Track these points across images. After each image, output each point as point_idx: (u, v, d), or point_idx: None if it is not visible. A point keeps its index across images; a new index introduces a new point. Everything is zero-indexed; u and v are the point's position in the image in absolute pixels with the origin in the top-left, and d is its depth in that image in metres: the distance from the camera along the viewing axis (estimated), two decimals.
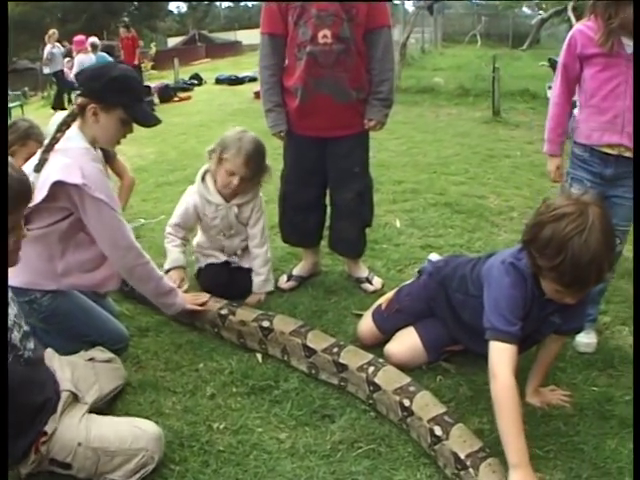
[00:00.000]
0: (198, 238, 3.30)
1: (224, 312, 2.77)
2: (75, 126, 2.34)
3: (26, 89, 16.62)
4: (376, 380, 2.27)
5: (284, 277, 3.34)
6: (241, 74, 14.78)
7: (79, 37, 12.15)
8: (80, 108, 2.33)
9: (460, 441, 1.95)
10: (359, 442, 2.14)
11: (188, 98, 12.45)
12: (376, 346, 2.63)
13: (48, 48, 12.75)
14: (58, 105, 11.97)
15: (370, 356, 2.41)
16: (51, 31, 13.05)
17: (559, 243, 1.83)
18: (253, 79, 13.67)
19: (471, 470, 1.86)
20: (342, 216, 3.20)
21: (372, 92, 2.97)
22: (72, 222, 2.29)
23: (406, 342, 2.56)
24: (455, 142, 6.74)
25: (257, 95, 10.91)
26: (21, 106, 12.81)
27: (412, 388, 2.21)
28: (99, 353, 2.34)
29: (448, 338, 2.53)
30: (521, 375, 2.34)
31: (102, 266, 2.42)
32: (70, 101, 11.65)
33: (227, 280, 3.09)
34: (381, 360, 2.42)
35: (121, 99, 2.30)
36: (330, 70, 2.83)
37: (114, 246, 2.36)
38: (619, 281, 3.28)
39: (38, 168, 2.24)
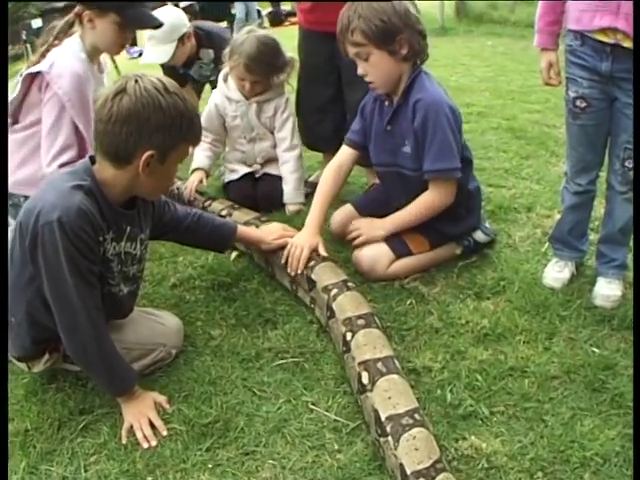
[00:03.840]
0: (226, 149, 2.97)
1: (224, 213, 2.51)
2: (76, 35, 2.21)
3: None
4: (313, 277, 1.90)
5: None
6: None
7: None
8: (77, 17, 2.19)
9: (369, 348, 1.57)
10: (287, 353, 1.78)
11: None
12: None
13: None
14: None
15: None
16: None
17: None
18: None
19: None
20: (353, 118, 2.71)
21: None
22: None
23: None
24: None
25: None
26: None
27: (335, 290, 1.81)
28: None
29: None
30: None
31: None
32: None
33: (251, 192, 2.74)
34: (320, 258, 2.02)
35: (112, 1, 2.12)
36: None
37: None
38: None
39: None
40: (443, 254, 2.24)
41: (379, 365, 1.52)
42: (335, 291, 1.79)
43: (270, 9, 12.20)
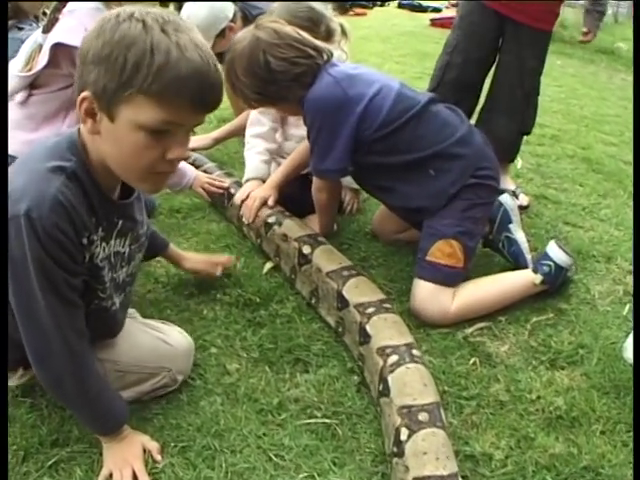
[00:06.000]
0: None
1: (271, 220, 2.02)
2: None
3: None
4: (368, 329, 1.47)
5: None
6: (426, 3, 13.36)
7: None
8: None
9: (430, 459, 1.11)
10: (317, 410, 1.39)
11: (364, 14, 11.44)
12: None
13: None
14: None
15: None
16: None
17: None
18: (437, 10, 12.28)
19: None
20: (502, 110, 2.60)
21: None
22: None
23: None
24: (620, 104, 5.33)
25: (432, 22, 9.82)
26: None
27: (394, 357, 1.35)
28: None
29: None
30: None
31: None
32: None
33: (298, 193, 2.14)
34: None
35: None
36: None
37: None
38: None
39: (46, 28, 1.91)
40: (518, 285, 1.86)
41: (422, 416, 1.13)
42: (394, 358, 1.35)
43: None
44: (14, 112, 1.97)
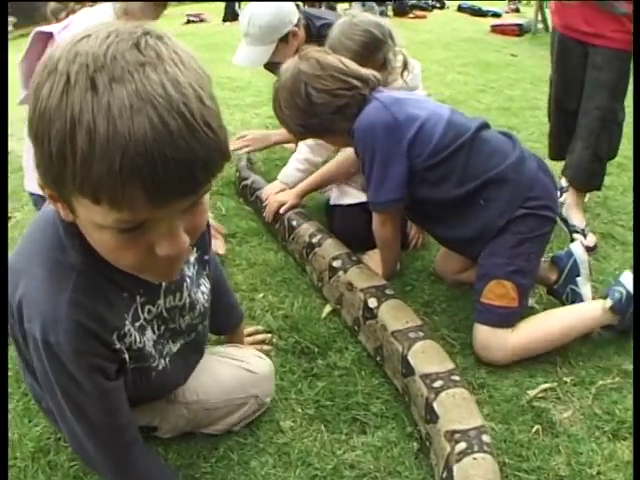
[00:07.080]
0: None
1: (336, 265, 1.90)
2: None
3: None
4: (435, 407, 1.37)
5: None
6: (486, 7, 13.04)
7: None
8: None
9: None
10: (374, 479, 1.34)
11: (423, 17, 11.22)
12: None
13: None
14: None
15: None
16: None
17: None
18: (497, 15, 11.94)
19: None
20: (579, 134, 2.54)
21: None
22: None
23: None
24: None
25: (493, 28, 9.56)
26: None
27: (462, 444, 1.24)
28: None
29: None
30: None
31: None
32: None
33: (363, 229, 1.97)
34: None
35: None
36: None
37: None
38: None
39: None
40: (585, 316, 1.78)
41: None
42: (462, 446, 1.22)
43: None
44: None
